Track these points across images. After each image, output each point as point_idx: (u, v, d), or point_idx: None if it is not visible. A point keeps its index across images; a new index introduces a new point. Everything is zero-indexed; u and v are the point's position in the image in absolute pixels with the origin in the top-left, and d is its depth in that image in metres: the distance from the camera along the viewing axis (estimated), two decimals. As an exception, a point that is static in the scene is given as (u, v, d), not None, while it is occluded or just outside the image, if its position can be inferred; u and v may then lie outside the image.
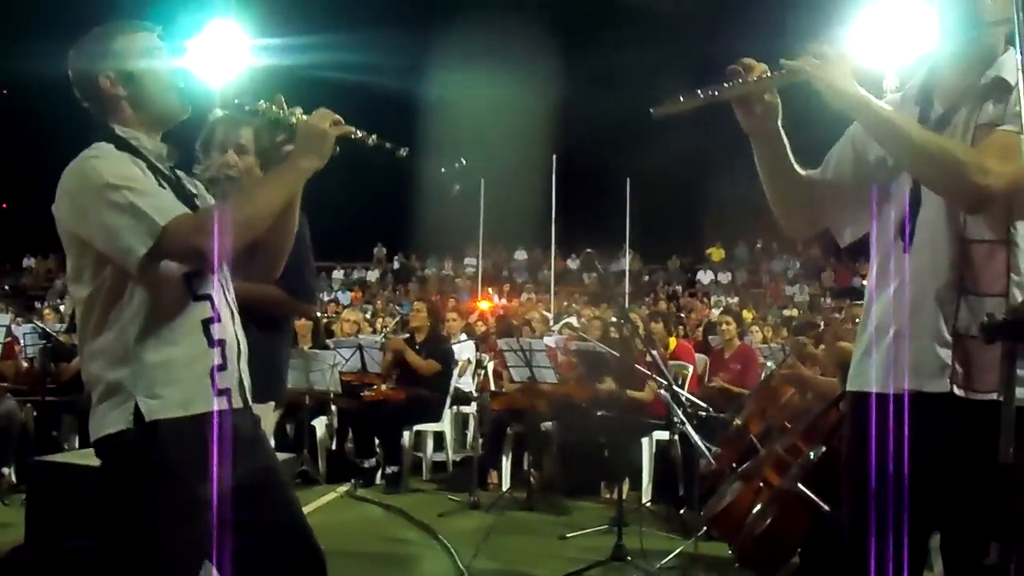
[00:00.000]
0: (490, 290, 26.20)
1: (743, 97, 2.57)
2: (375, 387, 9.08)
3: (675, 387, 6.26)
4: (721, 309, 15.20)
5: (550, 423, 8.32)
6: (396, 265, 34.23)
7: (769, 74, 2.54)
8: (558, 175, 25.19)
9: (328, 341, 9.76)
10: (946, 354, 2.41)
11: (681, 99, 2.51)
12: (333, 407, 9.12)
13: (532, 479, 7.97)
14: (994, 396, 2.32)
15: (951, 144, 2.39)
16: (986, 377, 2.34)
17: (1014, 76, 2.39)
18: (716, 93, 2.52)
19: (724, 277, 31.40)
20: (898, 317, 2.49)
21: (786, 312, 20.09)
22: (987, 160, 2.29)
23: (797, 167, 2.73)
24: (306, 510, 6.96)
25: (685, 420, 5.84)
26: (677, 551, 6.07)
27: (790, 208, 2.78)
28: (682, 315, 17.39)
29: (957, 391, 2.39)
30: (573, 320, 12.43)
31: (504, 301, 23.02)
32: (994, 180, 2.27)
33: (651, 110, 2.51)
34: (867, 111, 2.45)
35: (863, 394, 2.58)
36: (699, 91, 2.51)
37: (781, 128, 2.66)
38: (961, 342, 2.39)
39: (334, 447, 9.26)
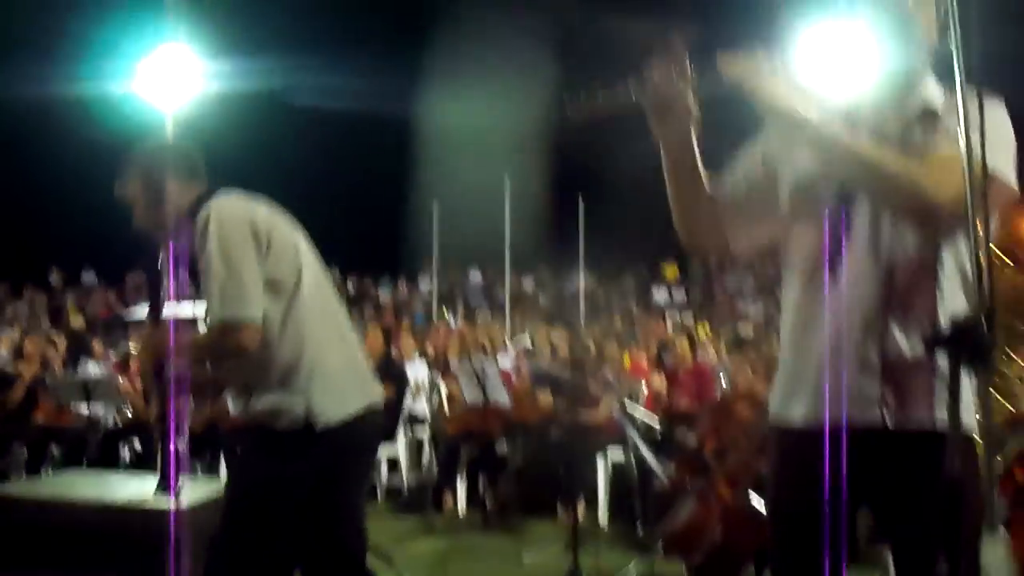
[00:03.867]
0: (445, 309, 26.15)
1: (665, 99, 2.40)
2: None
3: (628, 405, 6.26)
4: (675, 327, 15.26)
5: (505, 444, 8.29)
6: (350, 288, 34.08)
7: (696, 75, 2.37)
8: (511, 194, 25.22)
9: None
10: (876, 383, 2.36)
11: (600, 97, 2.38)
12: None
13: (488, 501, 7.93)
14: (927, 425, 2.32)
15: (904, 161, 2.32)
16: (919, 404, 2.33)
17: (938, 103, 2.42)
18: (638, 91, 2.37)
19: (678, 294, 31.52)
20: (823, 346, 2.42)
21: (740, 329, 20.16)
22: (939, 177, 2.22)
23: (706, 181, 2.60)
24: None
25: (638, 438, 5.84)
26: (634, 570, 6.05)
27: (694, 224, 2.65)
28: (637, 332, 17.41)
29: (888, 421, 2.36)
30: (527, 340, 12.43)
31: (460, 322, 22.96)
32: (948, 199, 2.19)
33: (567, 107, 2.39)
34: (812, 128, 2.34)
35: (791, 429, 2.51)
36: (620, 88, 2.37)
37: (695, 140, 2.51)
38: (891, 369, 2.35)
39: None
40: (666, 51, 2.36)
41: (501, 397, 8.21)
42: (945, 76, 2.41)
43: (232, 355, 3.31)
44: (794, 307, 2.55)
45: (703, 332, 15.66)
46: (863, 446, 2.34)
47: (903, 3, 2.39)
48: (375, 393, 3.58)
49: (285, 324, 3.37)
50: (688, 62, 2.36)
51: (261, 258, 3.33)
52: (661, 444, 6.61)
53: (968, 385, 2.20)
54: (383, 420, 3.68)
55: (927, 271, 2.35)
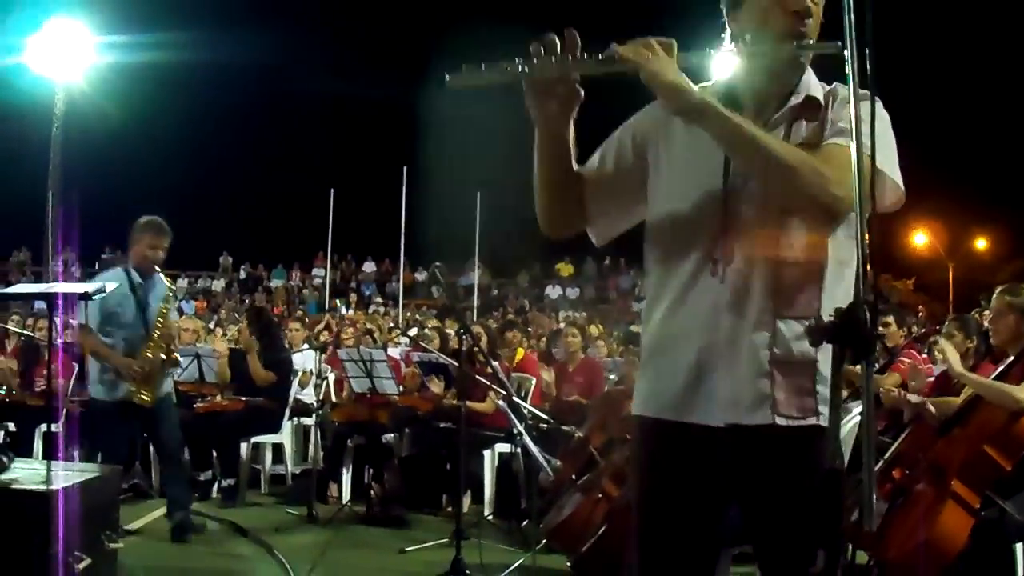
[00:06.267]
0: (338, 301, 25.95)
1: (545, 81, 2.32)
2: (210, 397, 8.82)
3: (516, 399, 6.23)
4: (568, 323, 15.31)
5: (392, 435, 8.21)
6: (242, 275, 33.61)
7: (587, 57, 2.28)
8: (408, 186, 25.11)
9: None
10: (765, 384, 2.32)
11: (483, 68, 2.26)
12: (168, 418, 8.79)
13: (372, 492, 7.84)
14: (812, 421, 2.31)
15: (805, 154, 2.27)
16: (803, 402, 2.32)
17: (820, 93, 2.41)
18: (526, 68, 2.26)
19: (572, 292, 31.75)
20: (706, 344, 2.38)
21: (633, 328, 20.31)
22: (836, 172, 2.19)
23: (575, 164, 2.55)
24: (137, 524, 6.74)
25: (524, 432, 5.81)
26: (516, 564, 6.03)
27: (559, 206, 2.60)
28: (530, 329, 17.46)
29: (780, 421, 2.32)
30: (418, 331, 12.36)
31: (352, 312, 22.78)
32: (846, 192, 2.14)
33: (446, 76, 2.28)
34: (714, 115, 2.25)
35: (663, 422, 2.46)
36: (506, 64, 2.27)
37: (571, 122, 2.45)
38: (779, 369, 2.32)
39: (168, 459, 8.95)
40: (552, 36, 2.27)
41: (389, 387, 8.13)
42: (825, 76, 2.44)
43: None
44: (668, 300, 2.48)
45: (595, 329, 15.77)
46: (751, 443, 2.33)
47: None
48: None
49: None
50: (577, 48, 2.27)
51: None
52: (548, 438, 6.58)
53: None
54: None
55: (813, 269, 2.33)
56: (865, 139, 1.90)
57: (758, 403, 2.33)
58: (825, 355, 2.11)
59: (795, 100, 2.42)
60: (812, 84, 2.43)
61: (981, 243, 38.55)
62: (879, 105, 2.23)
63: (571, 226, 2.66)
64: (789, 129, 2.40)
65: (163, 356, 6.61)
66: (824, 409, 2.31)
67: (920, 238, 37.18)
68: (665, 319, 2.48)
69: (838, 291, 2.32)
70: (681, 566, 2.50)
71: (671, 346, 2.46)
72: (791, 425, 2.33)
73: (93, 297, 5.61)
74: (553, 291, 31.76)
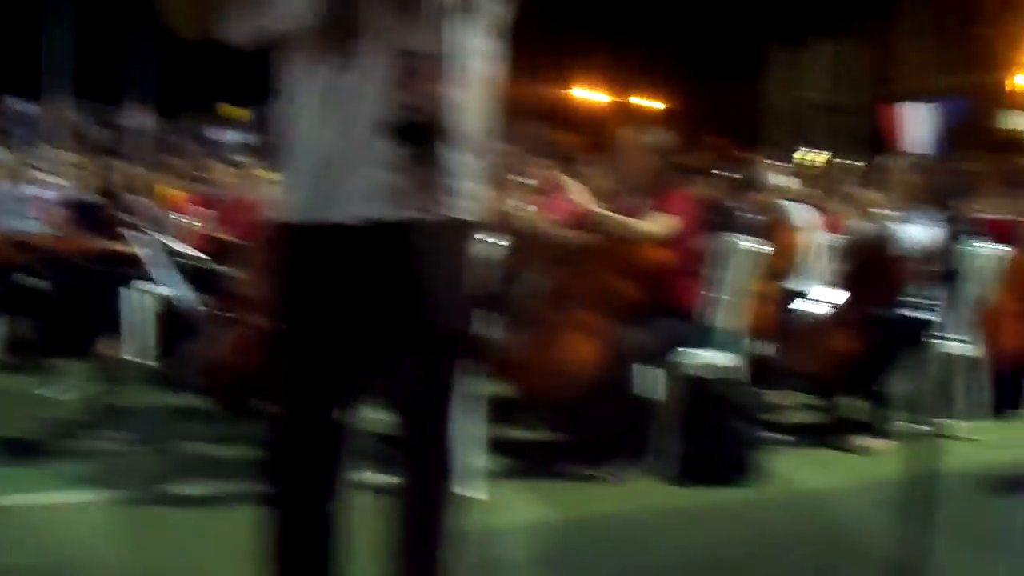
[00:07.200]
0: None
1: None
2: None
3: (167, 239, 6.05)
4: (232, 165, 14.92)
5: (35, 278, 7.75)
6: None
7: None
8: (55, 17, 23.55)
9: None
10: (396, 177, 2.29)
11: None
12: None
13: (12, 338, 7.44)
14: (447, 213, 2.32)
15: None
16: (434, 194, 2.30)
17: None
18: None
19: (238, 136, 30.94)
20: (339, 142, 2.34)
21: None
22: None
23: None
24: None
25: (176, 271, 5.68)
26: (164, 405, 5.94)
27: (183, 3, 2.45)
28: (196, 173, 16.90)
29: (412, 214, 2.31)
30: (63, 169, 11.71)
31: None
32: None
33: None
34: None
35: (302, 225, 2.43)
36: None
37: None
38: (406, 162, 2.29)
39: None
40: None
41: (32, 228, 7.68)
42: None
43: None
44: (297, 101, 2.43)
45: (261, 173, 15.47)
46: (387, 238, 2.32)
47: None
48: None
49: None
50: None
51: None
52: (203, 277, 6.45)
53: (472, 173, 2.32)
54: None
55: (438, 61, 2.29)
56: None
57: (390, 196, 2.31)
58: (455, 147, 2.14)
59: None
60: None
61: (643, 101, 40.31)
62: None
63: (201, 26, 2.47)
64: None
65: None
66: (460, 202, 2.33)
67: (582, 93, 38.44)
68: (301, 123, 2.42)
69: (472, 83, 2.36)
70: (330, 375, 2.47)
71: (308, 149, 2.40)
72: (424, 218, 2.32)
73: None
74: (219, 134, 30.83)
